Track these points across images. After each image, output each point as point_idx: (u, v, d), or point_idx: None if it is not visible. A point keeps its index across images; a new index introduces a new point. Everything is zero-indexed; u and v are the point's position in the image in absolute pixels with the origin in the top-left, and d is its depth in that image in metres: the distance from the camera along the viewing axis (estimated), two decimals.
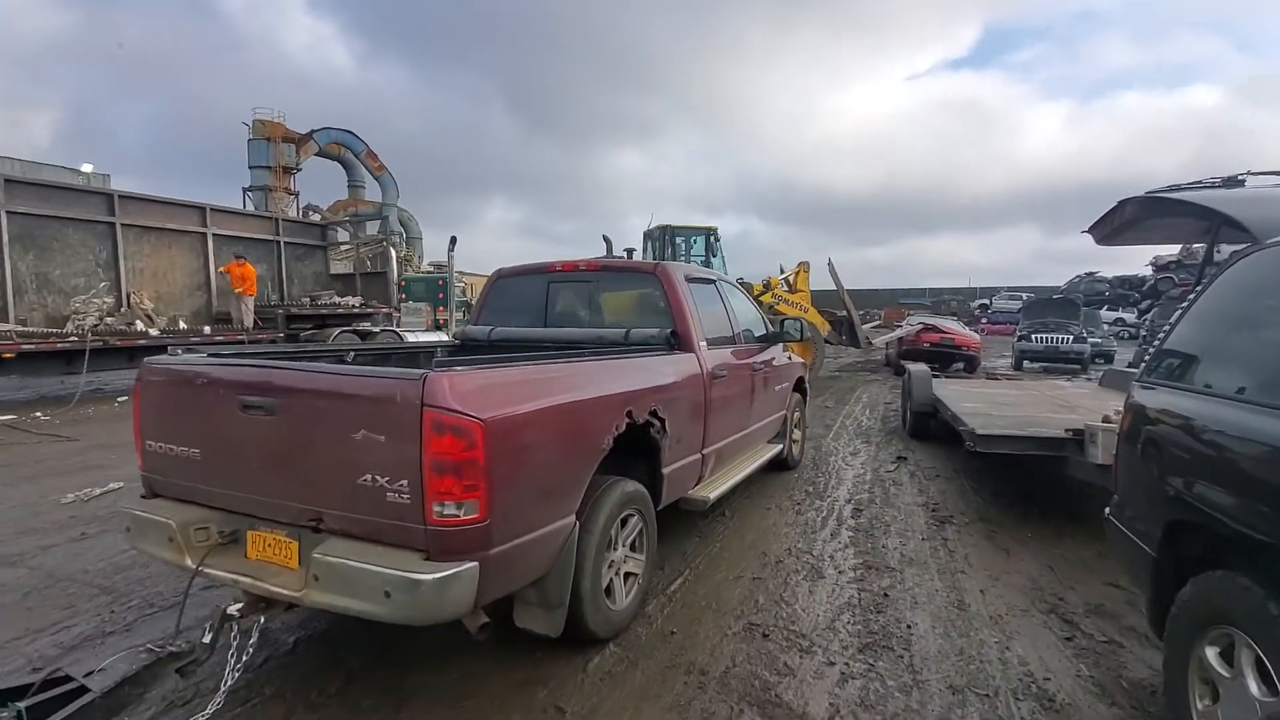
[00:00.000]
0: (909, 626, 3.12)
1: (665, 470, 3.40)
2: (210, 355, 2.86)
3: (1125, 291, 35.05)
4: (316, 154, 37.55)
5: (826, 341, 14.35)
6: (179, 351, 2.93)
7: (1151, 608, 2.34)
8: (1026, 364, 16.83)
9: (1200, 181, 6.35)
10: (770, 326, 5.52)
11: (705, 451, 3.88)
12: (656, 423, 3.23)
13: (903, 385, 8.41)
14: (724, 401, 4.12)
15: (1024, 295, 36.78)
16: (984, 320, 35.70)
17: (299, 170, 37.47)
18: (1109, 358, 19.25)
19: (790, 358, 5.84)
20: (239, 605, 2.43)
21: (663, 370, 3.48)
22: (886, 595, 3.47)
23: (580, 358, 2.91)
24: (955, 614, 3.27)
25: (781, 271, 14.64)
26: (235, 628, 2.41)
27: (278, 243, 15.09)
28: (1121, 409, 4.63)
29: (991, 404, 6.33)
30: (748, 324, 5.17)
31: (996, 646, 2.95)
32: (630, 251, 13.74)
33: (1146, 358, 2.71)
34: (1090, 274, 38.20)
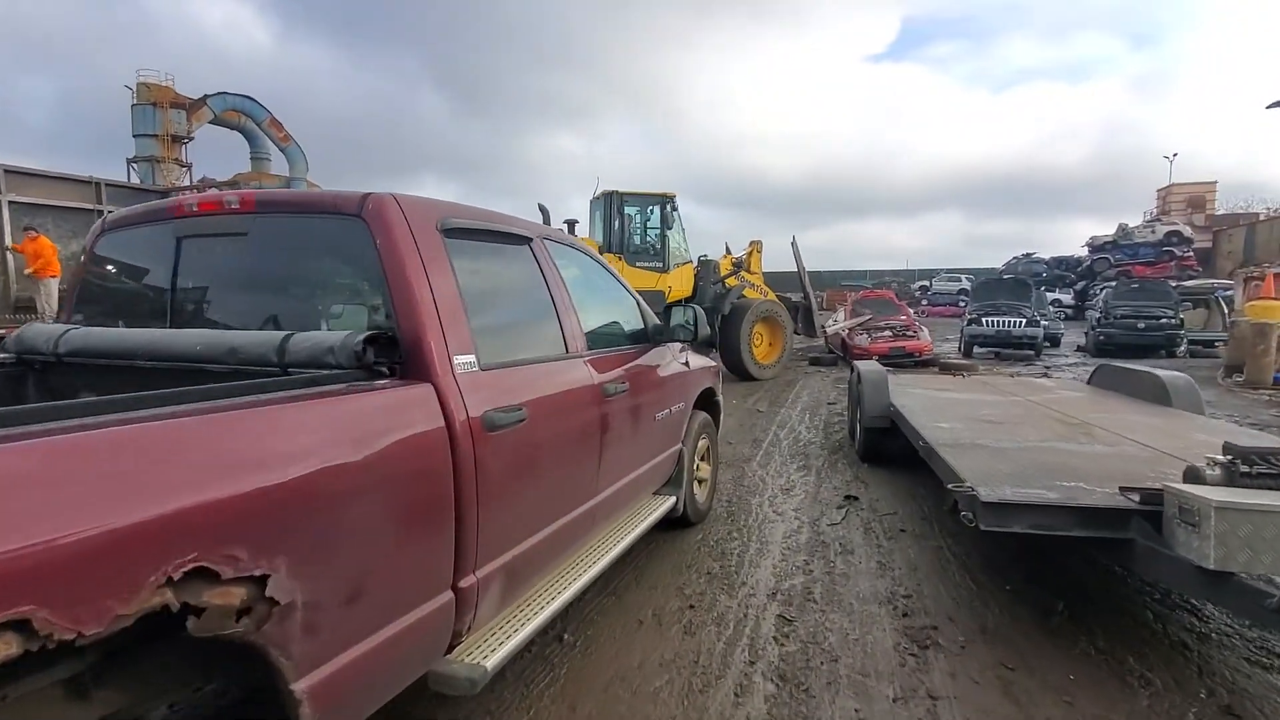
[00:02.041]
0: None
1: (299, 685, 1.38)
2: None
3: (1062, 272, 34.86)
4: (212, 122, 34.12)
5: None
6: None
7: None
8: (977, 349, 15.48)
9: None
10: (651, 319, 3.54)
11: (465, 584, 1.87)
12: (246, 598, 1.21)
13: (850, 389, 6.59)
14: (527, 467, 2.13)
15: (963, 277, 36.16)
16: (924, 302, 35.02)
17: (191, 140, 33.93)
18: (1056, 341, 18.22)
19: (687, 363, 3.87)
20: None
21: (306, 437, 1.45)
22: None
23: None
24: None
25: (727, 252, 12.86)
26: None
27: (100, 212, 12.33)
28: (1224, 454, 2.75)
29: (972, 422, 4.52)
30: (609, 316, 3.19)
31: None
32: (572, 224, 11.14)
33: None
34: (1028, 255, 37.93)
